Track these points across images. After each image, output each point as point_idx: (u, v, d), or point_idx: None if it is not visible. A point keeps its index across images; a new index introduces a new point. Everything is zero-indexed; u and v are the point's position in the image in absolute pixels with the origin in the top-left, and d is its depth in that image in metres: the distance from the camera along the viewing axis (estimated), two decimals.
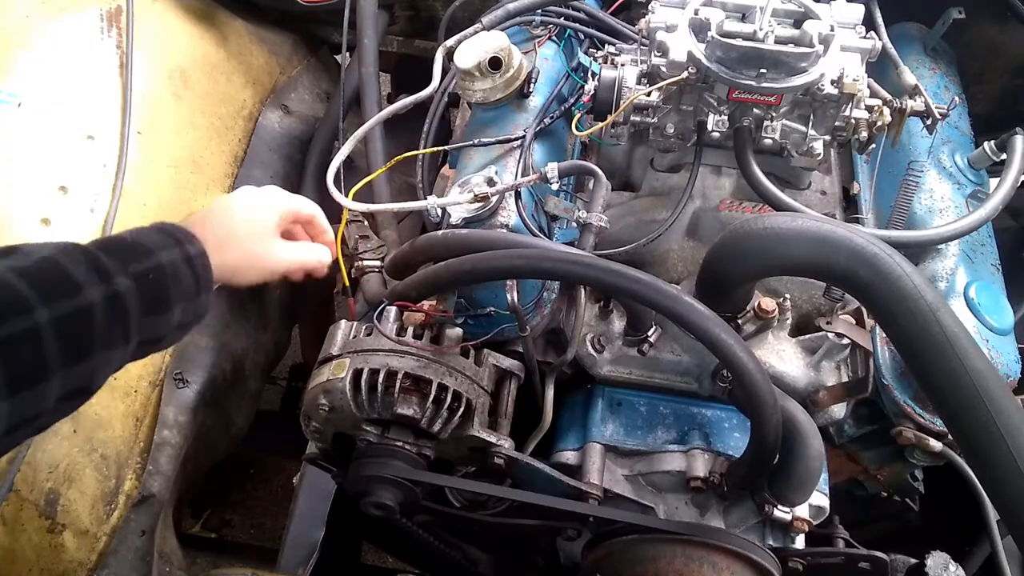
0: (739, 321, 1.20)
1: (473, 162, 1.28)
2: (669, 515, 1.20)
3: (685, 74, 1.16)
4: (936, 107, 1.25)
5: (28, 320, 0.71)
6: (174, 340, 0.93)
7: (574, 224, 1.19)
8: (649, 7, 1.25)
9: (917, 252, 1.32)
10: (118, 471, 1.25)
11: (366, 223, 1.39)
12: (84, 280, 0.77)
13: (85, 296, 0.76)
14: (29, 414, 0.73)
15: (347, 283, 1.29)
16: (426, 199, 1.17)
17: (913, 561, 1.19)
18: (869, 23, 1.31)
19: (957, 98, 1.56)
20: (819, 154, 1.22)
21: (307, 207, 1.16)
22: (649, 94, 1.19)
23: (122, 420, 1.26)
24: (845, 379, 1.24)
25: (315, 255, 1.15)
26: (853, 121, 1.20)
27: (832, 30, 1.15)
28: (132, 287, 0.81)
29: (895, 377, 1.25)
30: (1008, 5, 1.56)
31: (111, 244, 0.85)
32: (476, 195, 1.13)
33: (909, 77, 1.34)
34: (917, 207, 1.37)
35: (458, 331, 1.11)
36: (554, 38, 1.45)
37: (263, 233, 1.07)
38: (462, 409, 1.08)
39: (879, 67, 1.30)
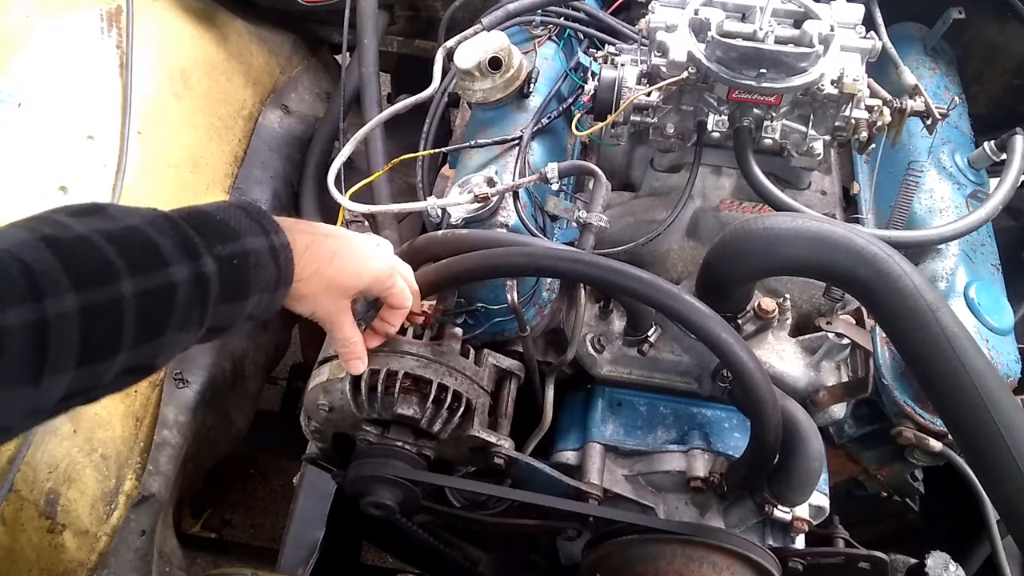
0: (739, 321, 1.20)
1: (473, 162, 1.28)
2: (669, 515, 1.20)
3: (685, 74, 1.16)
4: (936, 107, 1.25)
5: (114, 290, 0.67)
6: (243, 328, 0.88)
7: (574, 224, 1.19)
8: (649, 7, 1.25)
9: (917, 252, 1.32)
10: (118, 471, 1.25)
11: (366, 223, 1.38)
12: (171, 256, 0.73)
13: (171, 273, 0.72)
14: (88, 385, 0.69)
15: None
16: (426, 199, 1.17)
17: (913, 561, 1.19)
18: (869, 23, 1.31)
19: (957, 98, 1.56)
20: (819, 154, 1.22)
21: (401, 297, 1.02)
22: (649, 94, 1.19)
23: (122, 420, 1.26)
24: (845, 379, 1.24)
25: (354, 355, 1.02)
26: (853, 121, 1.20)
27: (832, 30, 1.15)
28: (216, 271, 0.76)
29: (895, 377, 1.25)
30: (1008, 5, 1.56)
31: (198, 219, 0.80)
32: (476, 195, 1.13)
33: (909, 77, 1.34)
34: (917, 207, 1.37)
35: (458, 331, 1.11)
36: (554, 38, 1.45)
37: (347, 289, 0.96)
38: (462, 409, 1.08)
39: (879, 67, 1.30)
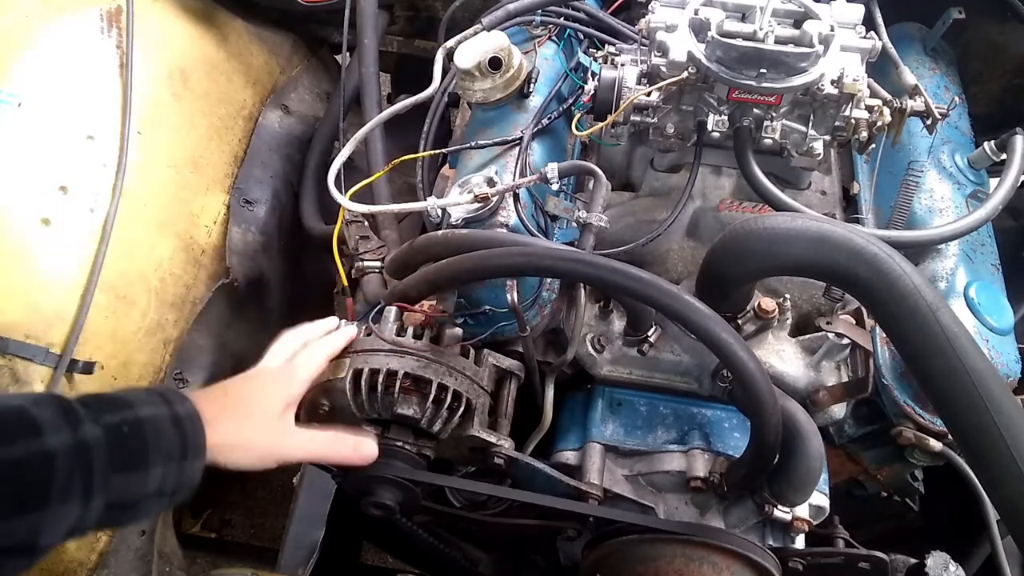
0: (739, 321, 1.20)
1: (473, 162, 1.28)
2: (669, 515, 1.20)
3: (685, 74, 1.16)
4: (936, 107, 1.25)
5: None
6: (154, 509, 0.82)
7: (574, 224, 1.19)
8: (649, 7, 1.25)
9: (917, 252, 1.32)
10: None
11: (366, 223, 1.39)
12: (47, 424, 0.70)
13: (44, 441, 0.69)
14: None
15: (346, 283, 1.29)
16: (426, 200, 1.17)
17: (913, 561, 1.19)
18: (869, 23, 1.31)
19: (957, 98, 1.56)
20: (819, 154, 1.22)
21: (311, 367, 1.02)
22: (649, 94, 1.19)
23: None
24: (845, 379, 1.24)
25: (339, 450, 0.99)
26: (853, 121, 1.20)
27: (832, 30, 1.15)
28: (100, 437, 0.73)
29: (895, 377, 1.25)
30: (1008, 5, 1.56)
31: (92, 395, 0.78)
32: (476, 195, 1.13)
33: (909, 77, 1.34)
34: (917, 207, 1.37)
35: (458, 331, 1.11)
36: (554, 38, 1.45)
37: (268, 415, 0.94)
38: (462, 409, 1.08)
39: (879, 67, 1.30)
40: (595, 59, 1.29)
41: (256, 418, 0.93)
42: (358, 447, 1.00)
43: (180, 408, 0.82)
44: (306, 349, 1.04)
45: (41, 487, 0.69)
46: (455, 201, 1.14)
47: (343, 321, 1.12)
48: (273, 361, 1.02)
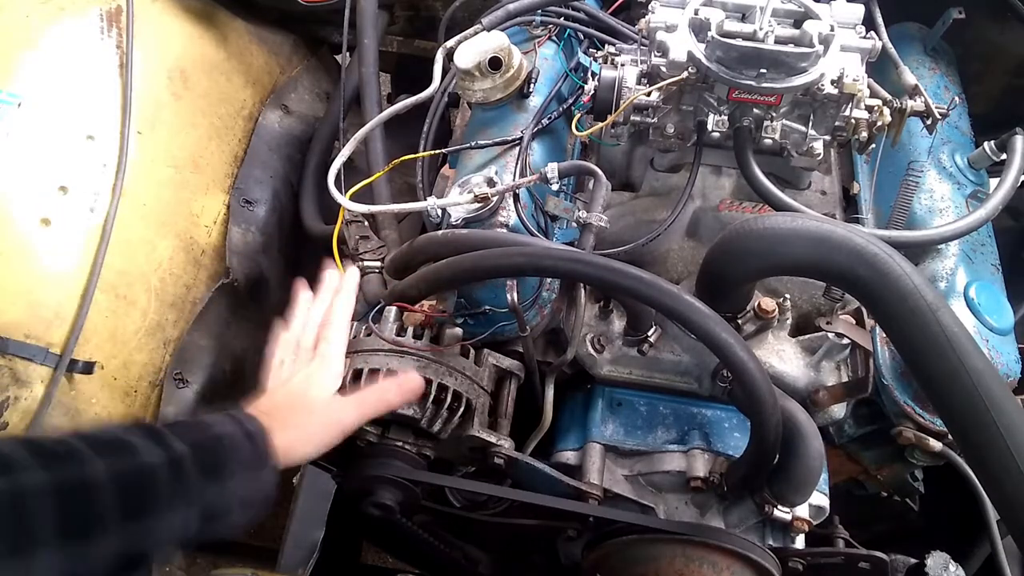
0: (739, 321, 1.20)
1: (473, 162, 1.28)
2: (669, 515, 1.20)
3: (685, 74, 1.16)
4: (936, 107, 1.25)
5: (81, 469, 0.70)
6: (240, 520, 0.88)
7: (574, 224, 1.19)
8: (649, 7, 1.25)
9: (917, 252, 1.32)
10: None
11: (366, 223, 1.39)
12: (140, 444, 0.77)
13: (142, 455, 0.76)
14: (80, 570, 0.70)
15: None
16: (426, 200, 1.17)
17: (913, 561, 1.19)
18: (869, 23, 1.31)
19: (957, 98, 1.56)
20: (819, 154, 1.22)
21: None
22: (649, 94, 1.19)
23: (122, 420, 1.26)
24: (845, 379, 1.24)
25: (389, 400, 1.04)
26: (853, 121, 1.20)
27: (832, 30, 1.15)
28: (188, 451, 0.80)
29: (895, 377, 1.25)
30: (1008, 5, 1.56)
31: (172, 422, 0.88)
32: (476, 195, 1.13)
33: (909, 77, 1.34)
34: (917, 207, 1.37)
35: (458, 331, 1.11)
36: (554, 38, 1.45)
37: (320, 405, 1.01)
38: (462, 409, 1.08)
39: (879, 67, 1.30)
40: (595, 59, 1.29)
41: (311, 413, 0.99)
42: (403, 389, 1.04)
43: (249, 425, 0.90)
44: (324, 330, 1.07)
45: (150, 496, 0.75)
46: (455, 201, 1.14)
47: (331, 273, 1.15)
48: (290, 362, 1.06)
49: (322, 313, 1.10)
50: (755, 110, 1.19)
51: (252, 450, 0.88)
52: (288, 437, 0.93)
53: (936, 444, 1.24)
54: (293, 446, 0.94)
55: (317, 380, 1.02)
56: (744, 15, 1.20)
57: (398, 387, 1.04)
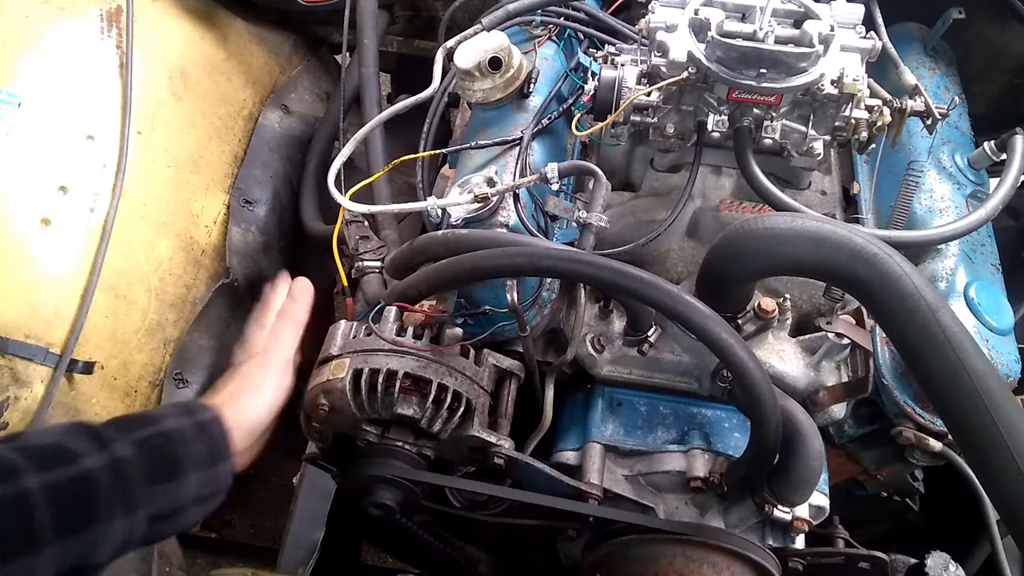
0: (739, 321, 1.20)
1: (473, 162, 1.28)
2: (669, 515, 1.20)
3: (685, 74, 1.16)
4: (936, 107, 1.25)
5: (16, 485, 0.68)
6: (195, 517, 0.87)
7: (574, 224, 1.19)
8: (649, 7, 1.25)
9: (917, 252, 1.32)
10: None
11: (366, 223, 1.39)
12: (82, 450, 0.74)
13: (81, 462, 0.73)
14: None
15: (346, 283, 1.29)
16: (426, 200, 1.17)
17: (913, 561, 1.19)
18: (869, 23, 1.31)
19: (957, 98, 1.56)
20: (819, 154, 1.22)
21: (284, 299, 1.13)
22: (649, 94, 1.19)
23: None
24: (845, 379, 1.24)
25: (295, 327, 1.09)
26: (853, 121, 1.20)
27: (832, 30, 1.15)
28: (134, 453, 0.77)
29: (895, 377, 1.25)
30: (1008, 5, 1.56)
31: (116, 418, 0.83)
32: (476, 195, 1.13)
33: (909, 77, 1.34)
34: (917, 207, 1.37)
35: (458, 331, 1.11)
36: (554, 38, 1.45)
37: (280, 368, 1.05)
38: (462, 409, 1.08)
39: (879, 67, 1.30)
40: (595, 59, 1.29)
41: (271, 386, 1.01)
42: (296, 301, 1.10)
43: (202, 415, 0.87)
44: (271, 338, 1.09)
45: (87, 507, 0.72)
46: (455, 201, 1.14)
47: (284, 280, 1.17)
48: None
49: (272, 318, 1.12)
50: (755, 110, 1.19)
51: (206, 444, 0.85)
52: (241, 413, 0.93)
53: (936, 444, 1.24)
54: (246, 421, 0.94)
55: (268, 361, 1.04)
56: (744, 15, 1.20)
57: (295, 307, 1.08)
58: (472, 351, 1.13)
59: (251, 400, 0.98)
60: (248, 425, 0.95)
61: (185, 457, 0.82)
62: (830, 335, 1.20)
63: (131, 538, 0.77)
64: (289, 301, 1.13)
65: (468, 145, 1.29)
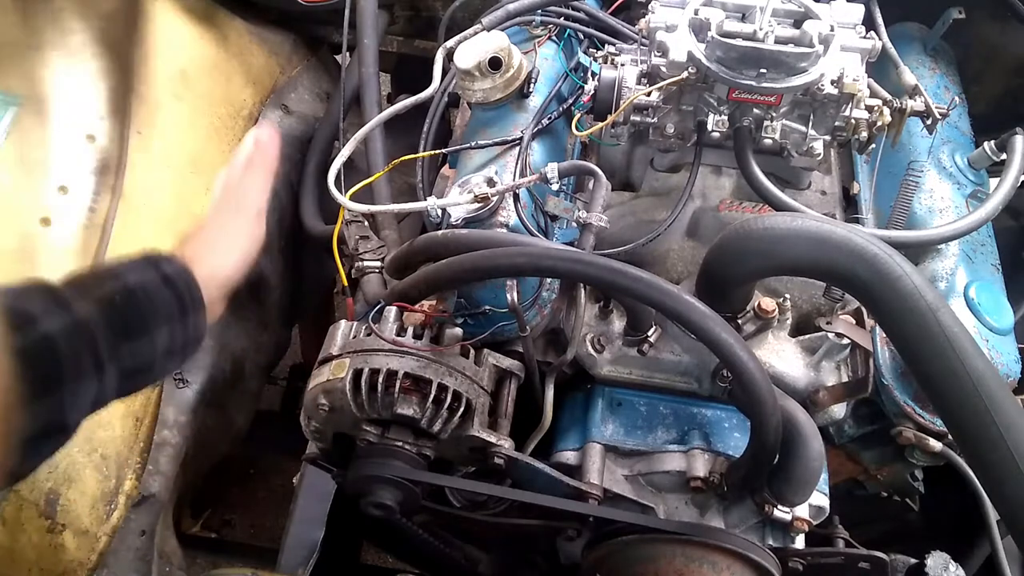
0: (739, 321, 1.20)
1: (473, 162, 1.28)
2: (669, 515, 1.20)
3: (685, 74, 1.16)
4: (936, 107, 1.25)
5: None
6: (169, 368, 0.85)
7: (574, 224, 1.19)
8: (649, 7, 1.25)
9: (917, 252, 1.32)
10: (118, 471, 1.25)
11: (366, 223, 1.39)
12: (39, 312, 0.71)
13: (40, 328, 0.70)
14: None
15: (346, 283, 1.29)
16: (426, 200, 1.17)
17: (913, 561, 1.19)
18: (869, 23, 1.31)
19: (957, 98, 1.56)
20: (819, 154, 1.22)
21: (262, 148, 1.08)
22: (649, 94, 1.19)
23: (122, 420, 1.26)
24: (845, 379, 1.24)
25: (260, 177, 1.06)
26: (853, 121, 1.20)
27: (832, 30, 1.15)
28: (95, 312, 0.75)
29: (895, 377, 1.25)
30: (1008, 5, 1.56)
31: (78, 274, 0.79)
32: (476, 195, 1.13)
33: (909, 77, 1.34)
34: (917, 207, 1.37)
35: (458, 331, 1.11)
36: (554, 38, 1.45)
37: (252, 219, 1.02)
38: (462, 409, 1.08)
39: (879, 67, 1.30)
40: (595, 59, 1.29)
41: (233, 236, 0.98)
42: (263, 149, 1.06)
43: (168, 267, 0.84)
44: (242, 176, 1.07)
45: (51, 369, 0.70)
46: (455, 201, 1.14)
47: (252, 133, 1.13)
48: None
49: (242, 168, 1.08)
50: (755, 110, 1.19)
51: (172, 296, 0.82)
52: (210, 266, 0.90)
53: (936, 444, 1.24)
54: (216, 273, 0.91)
55: (229, 230, 1.00)
56: (744, 15, 1.20)
57: (259, 150, 1.05)
58: (472, 351, 1.13)
59: (221, 249, 0.96)
60: (219, 275, 0.93)
61: (151, 312, 0.80)
62: (830, 335, 1.20)
63: (104, 394, 0.76)
64: (255, 150, 1.09)
65: (468, 145, 1.29)
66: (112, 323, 0.76)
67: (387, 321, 1.11)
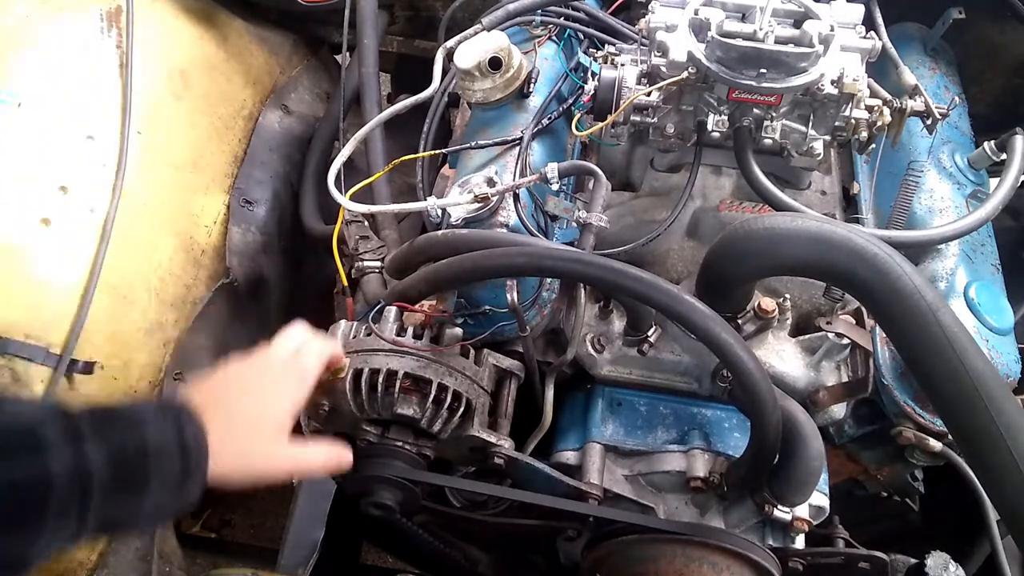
0: (739, 321, 1.20)
1: (473, 162, 1.28)
2: (669, 515, 1.20)
3: (685, 74, 1.16)
4: (936, 107, 1.25)
5: None
6: (146, 527, 0.82)
7: (574, 224, 1.19)
8: (649, 7, 1.25)
9: (917, 252, 1.32)
10: None
11: (366, 223, 1.39)
12: (51, 443, 0.68)
13: (45, 463, 0.67)
14: None
15: (346, 283, 1.29)
16: (426, 200, 1.17)
17: (913, 561, 1.19)
18: (869, 23, 1.31)
19: (957, 98, 1.56)
20: (819, 154, 1.22)
21: (324, 361, 0.96)
22: (649, 94, 1.19)
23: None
24: (845, 379, 1.24)
25: (325, 461, 0.92)
26: (853, 121, 1.20)
27: (832, 30, 1.15)
28: (103, 465, 0.71)
29: (895, 377, 1.25)
30: (1008, 5, 1.56)
31: (102, 409, 0.75)
32: (476, 195, 1.13)
33: (909, 77, 1.34)
34: (917, 207, 1.37)
35: (458, 331, 1.11)
36: (554, 38, 1.45)
37: (274, 429, 0.88)
38: (462, 409, 1.08)
39: (879, 67, 1.30)
40: (595, 59, 1.29)
41: (260, 441, 0.87)
42: (339, 460, 0.93)
43: (188, 432, 0.78)
44: (309, 343, 0.96)
45: (38, 509, 0.67)
46: (455, 201, 1.14)
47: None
48: (282, 352, 0.94)
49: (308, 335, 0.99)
50: (755, 110, 1.19)
51: (180, 464, 0.77)
52: (226, 464, 0.81)
53: (936, 444, 1.24)
54: (227, 473, 0.82)
55: (282, 394, 0.90)
56: (744, 15, 1.20)
57: (336, 461, 0.92)
58: (472, 351, 1.13)
59: (248, 440, 0.85)
60: (238, 442, 0.84)
61: (155, 474, 0.75)
62: (830, 335, 1.20)
63: (72, 542, 0.73)
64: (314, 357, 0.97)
65: (468, 145, 1.29)
66: (114, 476, 0.72)
67: (387, 321, 1.11)
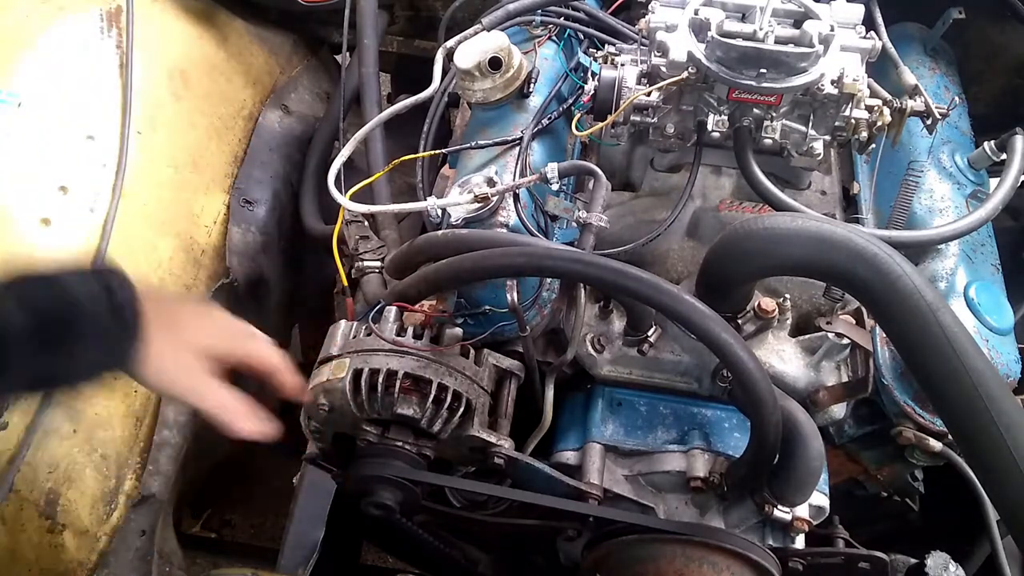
0: (739, 321, 1.20)
1: (473, 162, 1.28)
2: (669, 515, 1.20)
3: (685, 74, 1.16)
4: (936, 107, 1.25)
5: None
6: (79, 385, 0.81)
7: (574, 224, 1.19)
8: (649, 7, 1.25)
9: (917, 252, 1.32)
10: (118, 471, 1.25)
11: (366, 223, 1.39)
12: None
13: None
14: None
15: (346, 283, 1.29)
16: (426, 200, 1.17)
17: (913, 561, 1.19)
18: (869, 23, 1.31)
19: (957, 98, 1.56)
20: (819, 154, 1.22)
21: (264, 358, 0.98)
22: (649, 94, 1.19)
23: (122, 420, 1.26)
24: (845, 379, 1.24)
25: (236, 416, 0.93)
26: (853, 121, 1.20)
27: (832, 30, 1.15)
28: (27, 323, 0.72)
29: (895, 377, 1.25)
30: (1008, 5, 1.56)
31: (21, 275, 0.77)
32: (476, 195, 1.13)
33: (909, 77, 1.34)
34: (917, 207, 1.37)
35: (458, 331, 1.11)
36: (554, 38, 1.45)
37: (201, 351, 0.90)
38: (462, 409, 1.08)
39: (879, 67, 1.30)
40: (595, 59, 1.29)
41: (187, 350, 0.89)
42: (255, 419, 0.95)
43: (120, 295, 0.80)
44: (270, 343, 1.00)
45: None
46: (455, 201, 1.14)
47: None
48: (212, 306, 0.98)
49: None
50: (755, 110, 1.19)
51: (116, 322, 0.78)
52: (156, 329, 0.82)
53: (936, 444, 1.24)
54: (157, 352, 0.83)
55: (210, 324, 0.93)
56: (744, 15, 1.20)
57: (241, 421, 0.94)
58: (472, 351, 1.13)
59: (176, 334, 0.88)
60: (169, 338, 0.85)
61: (88, 336, 0.76)
62: (830, 335, 1.20)
63: (6, 389, 0.76)
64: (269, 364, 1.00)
65: (468, 145, 1.29)
66: (41, 338, 0.73)
67: (387, 321, 1.11)
